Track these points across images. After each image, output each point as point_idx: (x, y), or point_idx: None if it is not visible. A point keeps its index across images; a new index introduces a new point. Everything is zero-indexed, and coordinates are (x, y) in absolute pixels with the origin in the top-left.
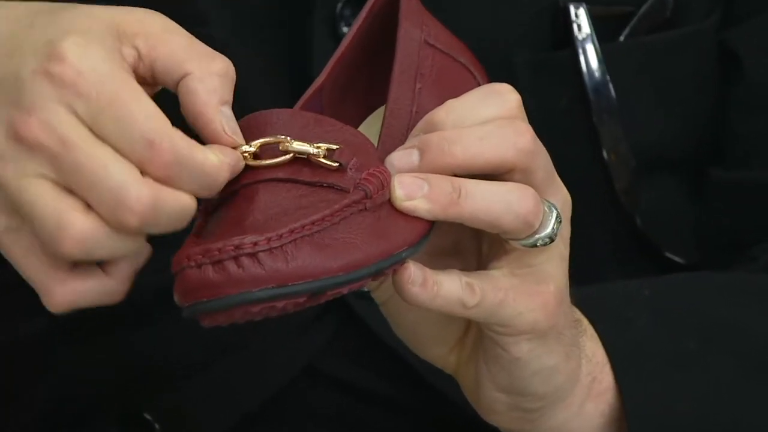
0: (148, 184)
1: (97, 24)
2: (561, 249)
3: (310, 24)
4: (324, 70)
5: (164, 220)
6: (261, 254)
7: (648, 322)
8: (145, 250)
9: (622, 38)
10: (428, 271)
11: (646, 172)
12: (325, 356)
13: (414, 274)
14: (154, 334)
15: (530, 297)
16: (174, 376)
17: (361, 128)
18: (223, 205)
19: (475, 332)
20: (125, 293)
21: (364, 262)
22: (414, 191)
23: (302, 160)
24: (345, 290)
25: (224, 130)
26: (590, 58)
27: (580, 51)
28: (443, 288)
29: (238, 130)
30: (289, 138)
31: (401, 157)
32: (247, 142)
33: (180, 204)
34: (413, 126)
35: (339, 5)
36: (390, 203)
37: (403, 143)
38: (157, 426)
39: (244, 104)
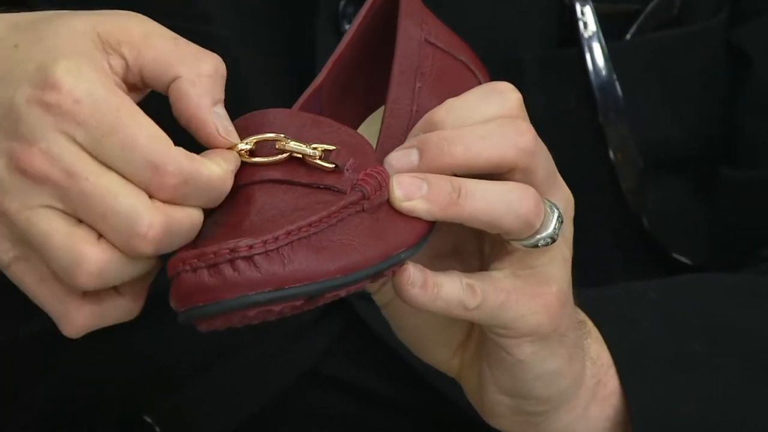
0: (159, 209)
1: (82, 40)
2: (563, 250)
3: (312, 22)
4: (323, 69)
5: (177, 240)
6: (257, 257)
7: (654, 324)
8: (157, 266)
9: (628, 36)
10: (428, 273)
11: (653, 171)
12: (327, 357)
13: (413, 275)
14: (155, 336)
15: (532, 299)
16: (175, 377)
17: (361, 128)
18: (218, 208)
19: (478, 335)
20: (140, 309)
21: (362, 264)
22: (413, 191)
23: (299, 162)
24: (343, 293)
25: (218, 132)
26: (596, 56)
27: (587, 49)
28: (443, 289)
29: (233, 130)
30: (285, 136)
31: (400, 157)
32: (245, 139)
33: (191, 221)
34: (413, 126)
35: (342, 3)
36: (389, 204)
37: (402, 143)
38: (157, 429)
39: (245, 103)
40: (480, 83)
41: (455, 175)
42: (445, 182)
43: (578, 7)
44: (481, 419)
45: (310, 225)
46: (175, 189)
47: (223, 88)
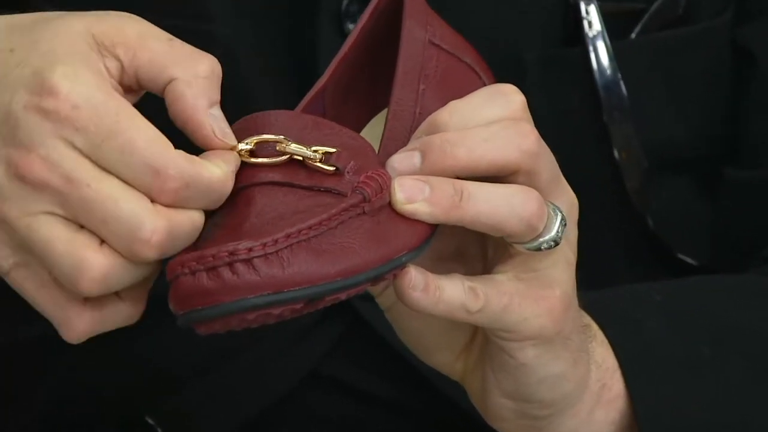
0: (161, 213)
1: (78, 42)
2: (567, 253)
3: (314, 21)
4: (326, 71)
5: (180, 243)
6: (256, 260)
7: (659, 327)
8: (158, 270)
9: (633, 35)
10: (430, 276)
11: (658, 171)
12: (328, 359)
13: (415, 278)
14: (157, 338)
15: (536, 302)
16: (176, 379)
17: (365, 130)
18: (218, 209)
19: (482, 339)
20: (141, 313)
21: (362, 267)
22: (415, 194)
23: (299, 164)
24: (343, 296)
25: (215, 134)
26: (601, 55)
27: (591, 48)
28: (445, 293)
29: (230, 132)
30: (286, 138)
31: (402, 160)
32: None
33: (192, 224)
34: (416, 128)
35: (344, 2)
36: (390, 207)
37: (405, 145)
38: (159, 430)
39: (246, 103)
40: (484, 85)
41: (458, 178)
42: (447, 185)
43: (583, 6)
44: (484, 422)
45: (309, 228)
46: (177, 192)
47: (219, 89)
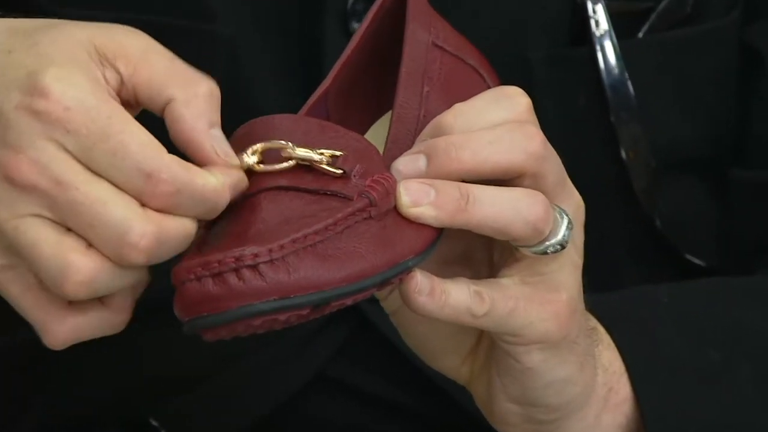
0: (151, 218)
1: (77, 49)
2: (573, 256)
3: (320, 20)
4: (330, 73)
5: (169, 250)
6: (262, 266)
7: (667, 330)
8: (145, 279)
9: (640, 35)
10: (436, 280)
11: (665, 171)
12: (335, 362)
13: (421, 283)
14: (162, 341)
15: (541, 306)
16: (182, 382)
17: (368, 133)
18: (224, 215)
19: (488, 343)
20: (125, 323)
21: (368, 272)
22: (420, 198)
23: (305, 167)
24: (349, 301)
25: (216, 154)
26: (608, 55)
27: (598, 48)
28: (451, 297)
29: (231, 152)
30: (291, 144)
31: (407, 163)
32: (250, 147)
33: (184, 231)
34: (421, 130)
35: (350, 1)
36: (396, 210)
37: (410, 148)
38: None
39: (252, 104)
40: (489, 87)
41: (463, 181)
42: (453, 188)
43: (590, 5)
44: (490, 426)
45: (315, 233)
46: (168, 198)
47: (219, 110)
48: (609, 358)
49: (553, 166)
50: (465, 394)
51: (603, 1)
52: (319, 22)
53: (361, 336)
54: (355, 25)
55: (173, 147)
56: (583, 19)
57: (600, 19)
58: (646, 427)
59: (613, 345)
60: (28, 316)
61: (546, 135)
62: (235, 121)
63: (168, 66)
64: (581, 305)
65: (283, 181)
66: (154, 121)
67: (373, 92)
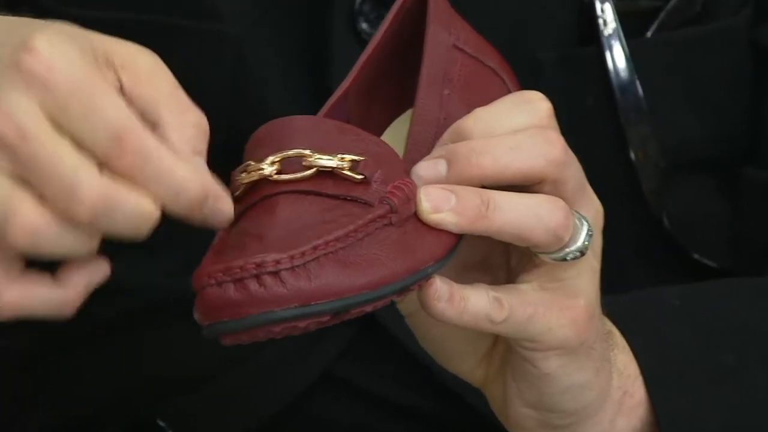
0: (105, 181)
1: (81, 36)
2: (592, 262)
3: (328, 20)
4: (349, 74)
5: (118, 220)
6: (283, 273)
7: (680, 333)
8: (101, 267)
9: (649, 34)
10: (455, 286)
11: (675, 172)
12: (341, 362)
13: (440, 289)
14: (169, 340)
15: (560, 312)
16: (187, 382)
17: (387, 132)
18: (244, 218)
19: (504, 346)
20: (75, 307)
21: (389, 279)
22: (441, 204)
23: (325, 172)
24: (369, 308)
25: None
26: (616, 55)
27: (606, 48)
28: (470, 303)
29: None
30: (311, 152)
31: (428, 168)
32: (269, 150)
33: (137, 206)
34: (441, 134)
35: (358, 1)
36: (416, 216)
37: (430, 152)
38: None
39: (259, 103)
40: (509, 90)
41: (484, 187)
42: (473, 195)
43: (598, 4)
44: (500, 428)
45: (336, 239)
46: (133, 165)
47: (206, 143)
48: (624, 362)
49: (574, 172)
50: (473, 395)
51: (611, 1)
52: (326, 22)
53: (368, 336)
54: (363, 24)
55: None
56: (591, 18)
57: (608, 19)
58: (661, 431)
59: (627, 348)
60: None
61: None
62: (243, 118)
63: (170, 91)
64: (598, 310)
65: (303, 186)
66: None
67: (392, 93)
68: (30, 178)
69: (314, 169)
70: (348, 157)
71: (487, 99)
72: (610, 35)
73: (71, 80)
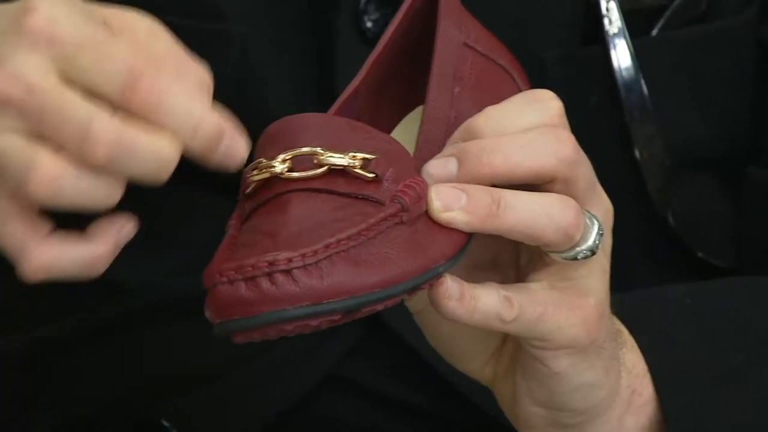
0: (119, 122)
1: (78, 1)
2: (602, 261)
3: (333, 19)
4: (359, 73)
5: (137, 161)
6: (295, 271)
7: (689, 332)
8: (129, 222)
9: (654, 33)
10: (465, 285)
11: (680, 170)
12: (347, 361)
13: (451, 288)
14: (175, 339)
15: (570, 311)
16: (192, 382)
17: (397, 130)
18: (255, 215)
19: (513, 345)
20: (106, 264)
21: (400, 278)
22: (452, 202)
23: (337, 170)
24: (380, 307)
25: None
26: (621, 53)
27: (611, 46)
28: (480, 302)
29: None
30: (322, 150)
31: (438, 166)
32: (280, 148)
33: (154, 145)
34: (451, 132)
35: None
36: (427, 215)
37: (440, 150)
38: None
39: (263, 102)
40: (519, 88)
41: (494, 185)
42: (484, 193)
43: (603, 3)
44: (507, 427)
45: (348, 238)
46: (149, 102)
47: (210, 97)
48: (632, 360)
49: (585, 171)
50: (479, 394)
51: None
52: (331, 21)
53: (373, 335)
54: (368, 23)
55: None
56: (596, 17)
57: (613, 17)
58: (669, 429)
59: (636, 347)
60: (6, 246)
61: None
62: (248, 116)
63: (168, 48)
64: (608, 309)
65: (315, 184)
66: None
67: (401, 93)
68: (43, 130)
69: (326, 167)
70: (359, 155)
71: (497, 97)
72: (615, 34)
73: (77, 33)
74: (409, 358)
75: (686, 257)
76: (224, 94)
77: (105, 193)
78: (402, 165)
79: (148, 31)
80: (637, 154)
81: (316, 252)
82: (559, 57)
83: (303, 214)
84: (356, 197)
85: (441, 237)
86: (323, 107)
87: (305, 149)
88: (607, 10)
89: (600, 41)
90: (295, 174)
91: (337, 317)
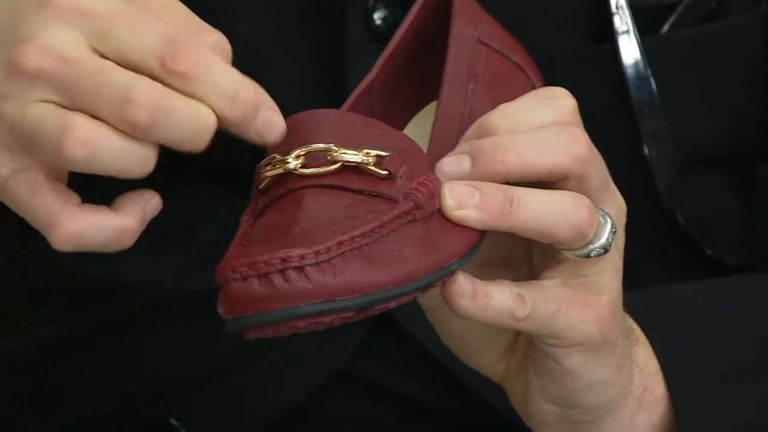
0: (158, 85)
1: None
2: (615, 259)
3: (341, 16)
4: (373, 68)
5: (176, 125)
6: (308, 268)
7: (701, 330)
8: (155, 197)
9: (664, 30)
10: (478, 283)
11: (689, 168)
12: (357, 358)
13: (463, 286)
14: (184, 337)
15: (583, 308)
16: (202, 380)
17: (410, 126)
18: (268, 210)
19: (525, 342)
20: (135, 237)
21: (413, 276)
22: (465, 200)
23: (351, 167)
24: (393, 304)
25: None
26: (631, 51)
27: (621, 44)
28: (493, 300)
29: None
30: (336, 146)
31: (452, 163)
32: (294, 144)
33: (194, 110)
34: (465, 129)
35: None
36: (440, 212)
37: (454, 147)
38: (183, 431)
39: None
40: (533, 86)
41: (508, 183)
42: (497, 191)
43: (613, 0)
44: (518, 424)
45: (362, 235)
46: (188, 71)
47: (229, 61)
48: (644, 358)
49: (598, 169)
50: (490, 391)
51: None
52: (339, 18)
53: (384, 332)
54: (377, 21)
55: None
56: (606, 14)
57: (623, 15)
58: (681, 427)
59: (648, 344)
60: (36, 217)
61: None
62: None
63: (184, 17)
64: (621, 307)
65: (328, 180)
66: None
67: (414, 92)
68: (80, 98)
69: (339, 164)
70: (373, 152)
71: (511, 94)
72: (625, 31)
73: (109, 5)
74: (420, 355)
75: (695, 255)
76: None
77: (140, 158)
78: (416, 162)
79: (161, 3)
80: (646, 151)
81: (329, 249)
82: (569, 54)
83: (316, 210)
84: (369, 194)
85: (454, 234)
86: (333, 104)
87: (319, 145)
88: (617, 7)
89: (610, 39)
90: (308, 170)
91: (349, 314)
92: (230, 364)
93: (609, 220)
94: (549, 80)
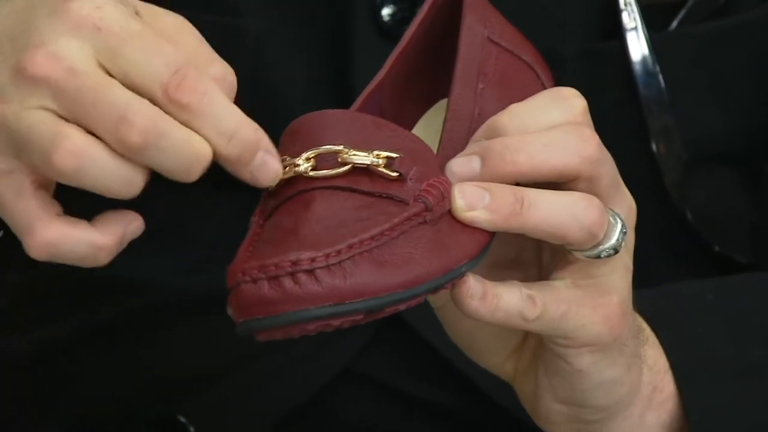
0: (156, 109)
1: None
2: (625, 259)
3: (349, 13)
4: (383, 67)
5: (169, 151)
6: (318, 271)
7: (711, 328)
8: (137, 220)
9: (672, 27)
10: (488, 284)
11: (698, 165)
12: (363, 357)
13: (473, 287)
14: (191, 336)
15: (593, 309)
16: (209, 378)
17: (419, 125)
18: (278, 212)
19: (534, 341)
20: (111, 255)
21: (423, 278)
22: (475, 201)
23: (361, 168)
24: (403, 307)
25: None
26: (640, 48)
27: (629, 41)
28: (503, 301)
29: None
30: (346, 148)
31: (462, 164)
32: (303, 146)
33: (189, 139)
34: (475, 129)
35: None
36: (450, 214)
37: (464, 147)
38: (191, 429)
39: (279, 98)
40: (543, 85)
41: (518, 184)
42: (508, 192)
43: None
44: (526, 423)
45: (372, 238)
46: (191, 102)
47: (233, 95)
48: (654, 357)
49: (608, 170)
50: (499, 390)
51: None
52: (347, 15)
53: (391, 331)
54: (385, 17)
55: None
56: (614, 11)
57: (631, 12)
58: (690, 425)
59: (657, 343)
60: (14, 221)
61: None
62: (264, 111)
63: (196, 45)
64: (630, 307)
65: (338, 182)
66: None
67: (424, 90)
68: (77, 111)
69: (349, 166)
70: (383, 154)
71: (521, 94)
72: (633, 28)
73: (124, 25)
74: (428, 353)
75: (704, 251)
76: (239, 89)
77: (127, 179)
78: (426, 163)
79: (175, 27)
80: (654, 148)
81: (339, 252)
82: (577, 52)
83: (326, 212)
84: (380, 196)
85: (464, 236)
86: (340, 102)
87: (329, 147)
88: (626, 4)
89: (618, 36)
90: (318, 172)
91: (359, 317)
92: (231, 364)
93: (619, 220)
94: (557, 77)
